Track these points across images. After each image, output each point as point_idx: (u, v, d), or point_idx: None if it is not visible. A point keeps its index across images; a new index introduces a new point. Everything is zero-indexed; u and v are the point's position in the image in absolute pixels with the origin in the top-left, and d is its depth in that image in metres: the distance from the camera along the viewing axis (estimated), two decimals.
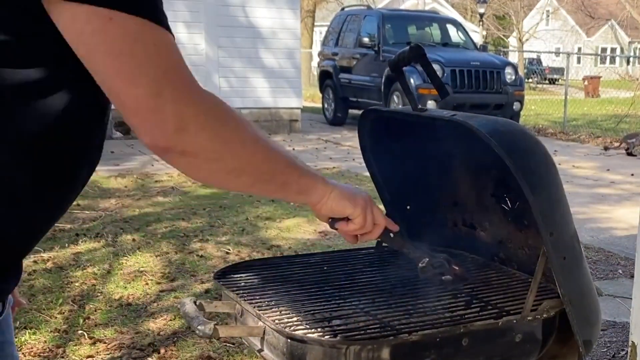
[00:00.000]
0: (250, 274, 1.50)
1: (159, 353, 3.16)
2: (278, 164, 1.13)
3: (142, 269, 4.31)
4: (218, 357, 3.14)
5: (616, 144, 11.53)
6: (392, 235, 1.41)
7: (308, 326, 1.22)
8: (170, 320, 3.52)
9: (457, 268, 1.47)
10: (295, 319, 1.25)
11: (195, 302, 1.26)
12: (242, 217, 5.69)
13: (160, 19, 0.98)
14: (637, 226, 2.55)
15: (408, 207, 1.75)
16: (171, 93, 0.97)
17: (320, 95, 15.32)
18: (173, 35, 1.02)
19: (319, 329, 1.21)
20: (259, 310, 1.26)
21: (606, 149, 11.21)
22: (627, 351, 2.60)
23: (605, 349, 3.37)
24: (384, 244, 1.70)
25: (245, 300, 1.32)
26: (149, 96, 0.96)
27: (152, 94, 0.96)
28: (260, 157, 1.09)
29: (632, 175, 8.67)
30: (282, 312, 1.27)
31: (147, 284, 4.06)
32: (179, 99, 0.98)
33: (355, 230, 1.31)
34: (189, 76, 1.01)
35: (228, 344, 3.22)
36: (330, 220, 1.28)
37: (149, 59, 0.96)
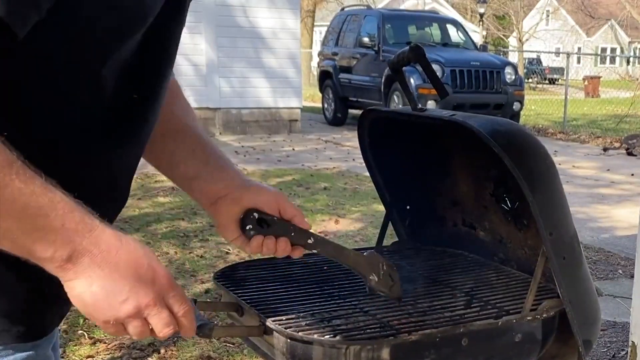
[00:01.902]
0: (250, 274, 1.50)
1: (159, 353, 3.16)
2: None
3: None
4: (218, 357, 3.14)
5: (616, 145, 11.53)
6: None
7: (308, 326, 1.22)
8: None
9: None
10: (295, 319, 1.25)
11: (195, 302, 1.26)
12: None
13: None
14: (637, 226, 2.55)
15: (408, 207, 1.75)
16: None
17: (320, 95, 15.32)
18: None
19: (318, 329, 1.21)
20: (259, 311, 1.26)
21: (605, 149, 11.20)
22: (627, 351, 2.60)
23: (605, 349, 3.37)
24: (383, 246, 1.70)
25: (244, 300, 1.32)
26: None
27: None
28: None
29: (633, 175, 8.67)
30: (282, 312, 1.27)
31: None
32: None
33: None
34: None
35: (228, 344, 3.22)
36: None
37: None
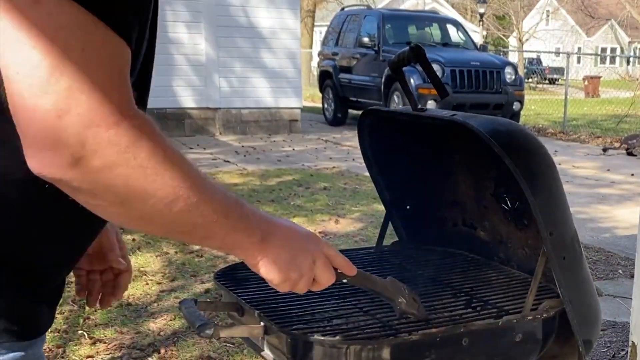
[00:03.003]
0: (250, 274, 1.50)
1: (159, 353, 3.16)
2: (201, 217, 0.91)
3: (142, 269, 4.32)
4: (218, 357, 3.14)
5: (616, 145, 11.52)
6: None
7: (308, 326, 1.22)
8: (171, 320, 3.52)
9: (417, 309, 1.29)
10: (295, 318, 1.25)
11: (195, 302, 1.26)
12: None
13: (113, 19, 0.80)
14: (638, 226, 2.55)
15: (408, 207, 1.75)
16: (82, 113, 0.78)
17: (320, 95, 15.32)
18: (130, 50, 0.84)
19: (319, 329, 1.21)
20: (259, 311, 1.26)
21: (605, 150, 11.20)
22: (627, 351, 2.60)
23: (605, 349, 3.37)
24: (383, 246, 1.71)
25: (245, 300, 1.32)
26: (52, 110, 0.77)
27: (57, 108, 0.77)
28: (178, 208, 0.87)
29: (633, 175, 8.67)
30: (282, 312, 1.27)
31: (147, 284, 4.06)
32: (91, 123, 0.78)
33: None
34: (124, 96, 0.83)
35: (228, 344, 3.22)
36: None
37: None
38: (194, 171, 0.90)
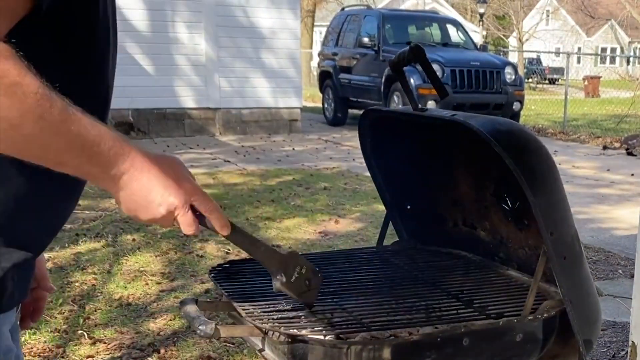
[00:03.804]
0: (250, 273, 1.50)
1: (159, 353, 3.16)
2: (53, 144, 0.94)
3: (142, 269, 4.31)
4: (218, 357, 3.14)
5: (616, 145, 11.52)
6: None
7: (309, 326, 1.22)
8: (170, 320, 3.52)
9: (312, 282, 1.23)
10: (296, 318, 1.25)
11: (196, 302, 1.25)
12: (242, 217, 5.69)
13: None
14: (637, 226, 2.55)
15: (408, 207, 1.75)
16: None
17: (320, 95, 15.31)
18: None
19: (320, 328, 1.21)
20: (260, 311, 1.26)
21: (605, 148, 11.20)
22: (627, 351, 2.60)
23: (605, 349, 3.37)
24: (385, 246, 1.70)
25: (246, 301, 1.32)
26: None
27: None
28: (26, 132, 0.91)
29: (632, 175, 8.67)
30: (283, 312, 1.27)
31: (147, 284, 4.05)
32: None
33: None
34: None
35: (228, 344, 3.22)
36: None
37: None
38: (49, 100, 0.91)
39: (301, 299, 1.23)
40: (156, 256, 4.58)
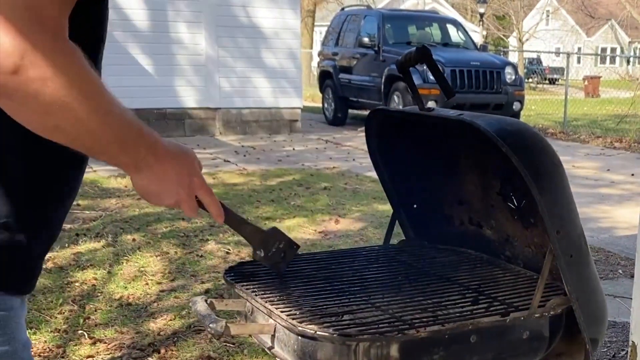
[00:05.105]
0: (259, 272, 1.49)
1: (159, 353, 3.15)
2: (103, 137, 1.02)
3: (142, 269, 4.31)
4: (218, 357, 3.13)
5: (616, 145, 11.52)
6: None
7: (318, 322, 1.21)
8: (171, 320, 3.51)
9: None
10: (305, 315, 1.24)
11: (206, 301, 1.25)
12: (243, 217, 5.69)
13: None
14: (638, 226, 2.54)
15: (415, 206, 1.74)
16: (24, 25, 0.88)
17: (320, 95, 15.31)
18: None
19: (329, 326, 1.21)
20: (271, 306, 1.25)
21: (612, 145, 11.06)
22: (627, 351, 2.59)
23: (605, 349, 3.37)
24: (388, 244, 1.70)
25: (256, 298, 1.31)
26: None
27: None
28: (86, 128, 0.98)
29: (633, 175, 8.67)
30: (292, 309, 1.27)
31: (147, 284, 4.05)
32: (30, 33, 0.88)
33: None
34: (64, 19, 0.93)
35: (228, 344, 3.21)
36: None
37: None
38: (108, 98, 1.00)
39: (274, 269, 1.45)
40: (156, 256, 4.57)
